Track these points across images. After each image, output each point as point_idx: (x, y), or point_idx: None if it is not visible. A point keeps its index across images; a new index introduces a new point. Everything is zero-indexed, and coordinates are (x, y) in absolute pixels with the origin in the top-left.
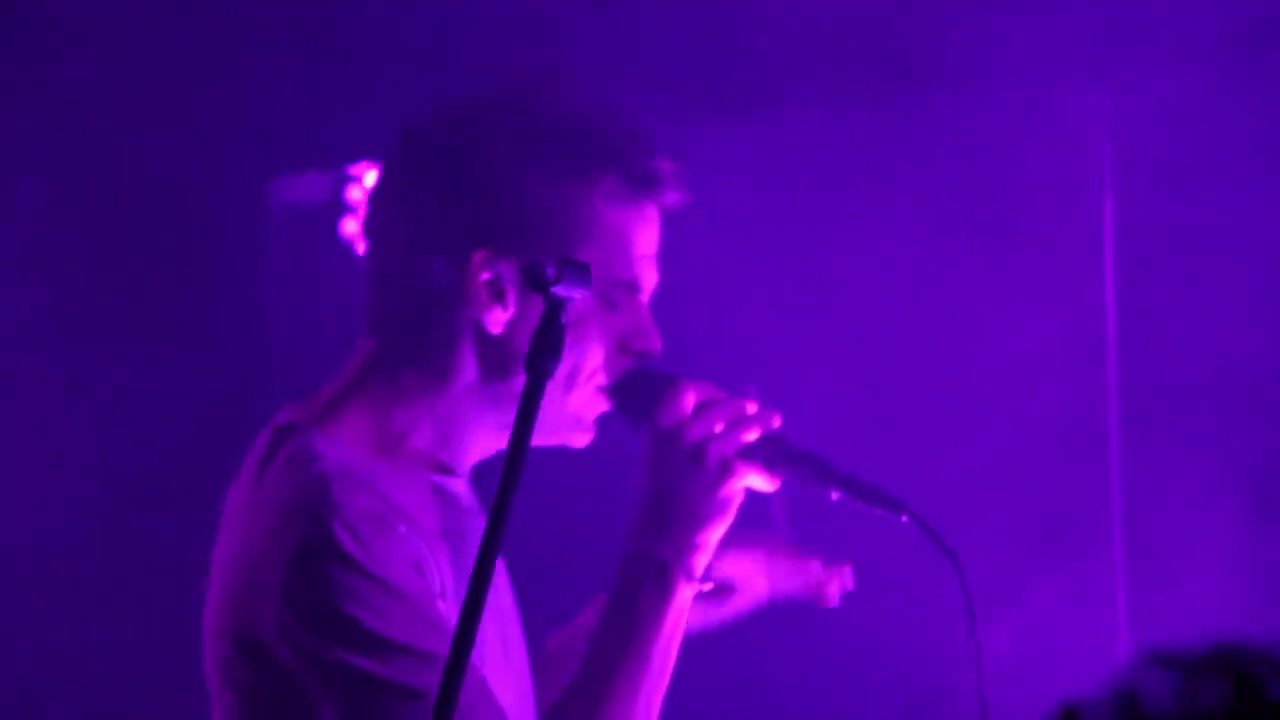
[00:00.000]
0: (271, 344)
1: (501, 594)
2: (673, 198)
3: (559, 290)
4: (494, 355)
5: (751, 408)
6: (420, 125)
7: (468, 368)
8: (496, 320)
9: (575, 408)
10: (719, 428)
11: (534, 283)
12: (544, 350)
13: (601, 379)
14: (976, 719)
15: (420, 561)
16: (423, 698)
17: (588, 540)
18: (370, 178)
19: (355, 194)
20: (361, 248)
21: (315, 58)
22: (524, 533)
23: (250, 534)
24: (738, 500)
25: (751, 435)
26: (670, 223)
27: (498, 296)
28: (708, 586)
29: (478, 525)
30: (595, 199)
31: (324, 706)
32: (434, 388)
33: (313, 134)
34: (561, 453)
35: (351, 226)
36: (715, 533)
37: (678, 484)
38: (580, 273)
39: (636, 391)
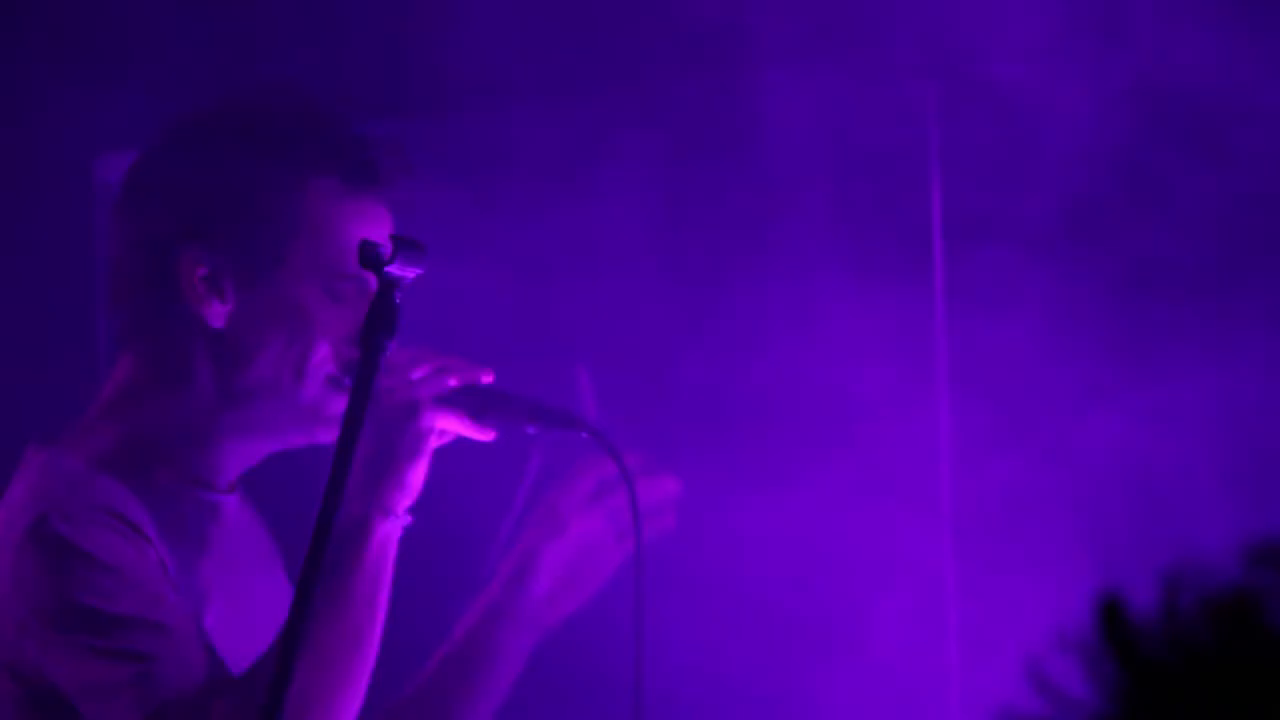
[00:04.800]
0: (98, 323)
1: (268, 604)
2: (393, 190)
3: (393, 270)
4: (221, 351)
5: (455, 361)
6: (156, 133)
7: (202, 367)
8: (217, 314)
9: (308, 400)
10: (415, 376)
11: (368, 261)
12: (377, 326)
13: (331, 369)
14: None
15: (151, 556)
16: (141, 659)
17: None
18: None
19: None
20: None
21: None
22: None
23: None
24: (429, 440)
25: (450, 383)
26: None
27: (215, 291)
28: (408, 521)
29: (248, 542)
30: (309, 195)
31: (63, 689)
32: (177, 391)
33: (138, 112)
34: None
35: None
36: (408, 470)
37: (371, 432)
38: (414, 251)
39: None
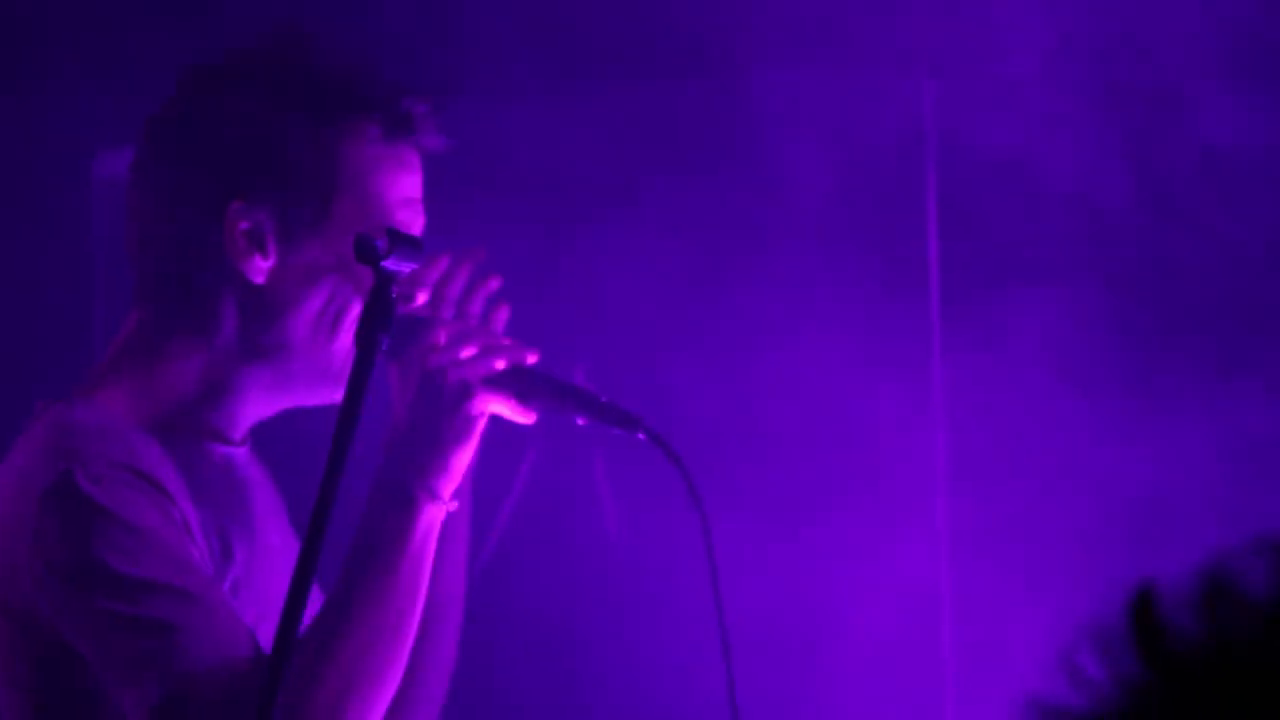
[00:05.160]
0: (94, 322)
1: (284, 557)
2: (431, 141)
3: (389, 264)
4: (257, 305)
5: (504, 341)
6: (179, 85)
7: (230, 320)
8: (258, 270)
9: (339, 357)
10: (465, 355)
11: (364, 255)
12: (372, 323)
13: None
14: (719, 645)
15: (175, 515)
16: (171, 630)
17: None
18: None
19: None
20: (126, 218)
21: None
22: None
23: (3, 500)
24: (480, 424)
25: (499, 364)
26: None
27: (258, 245)
28: (454, 506)
29: (261, 495)
30: (349, 146)
31: (85, 653)
32: (198, 345)
33: (134, 108)
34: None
35: None
36: (458, 454)
37: (418, 408)
38: (411, 246)
39: (398, 334)
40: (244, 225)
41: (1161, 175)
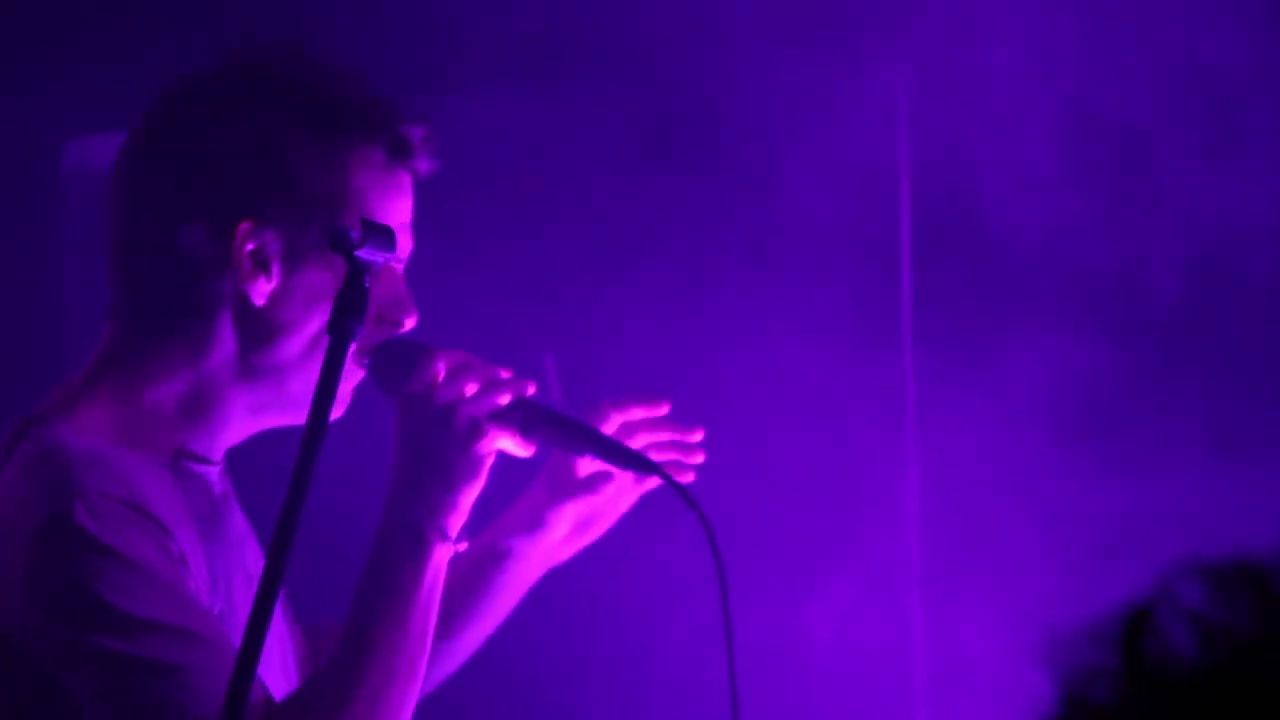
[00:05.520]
0: (66, 308)
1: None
2: (425, 165)
3: (363, 254)
4: (255, 327)
5: (505, 374)
6: (176, 93)
7: (226, 340)
8: (260, 291)
9: None
10: (470, 391)
11: (338, 245)
12: (347, 312)
13: (355, 347)
14: (727, 687)
15: (172, 549)
16: (175, 671)
17: (354, 518)
18: None
19: None
20: (105, 224)
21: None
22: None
23: None
24: (489, 461)
25: (504, 399)
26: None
27: (262, 267)
28: (463, 547)
29: (234, 516)
30: (356, 169)
31: (78, 692)
32: (188, 361)
33: (102, 96)
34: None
35: None
36: (468, 493)
37: (428, 446)
38: (384, 236)
39: (391, 360)
40: (251, 246)
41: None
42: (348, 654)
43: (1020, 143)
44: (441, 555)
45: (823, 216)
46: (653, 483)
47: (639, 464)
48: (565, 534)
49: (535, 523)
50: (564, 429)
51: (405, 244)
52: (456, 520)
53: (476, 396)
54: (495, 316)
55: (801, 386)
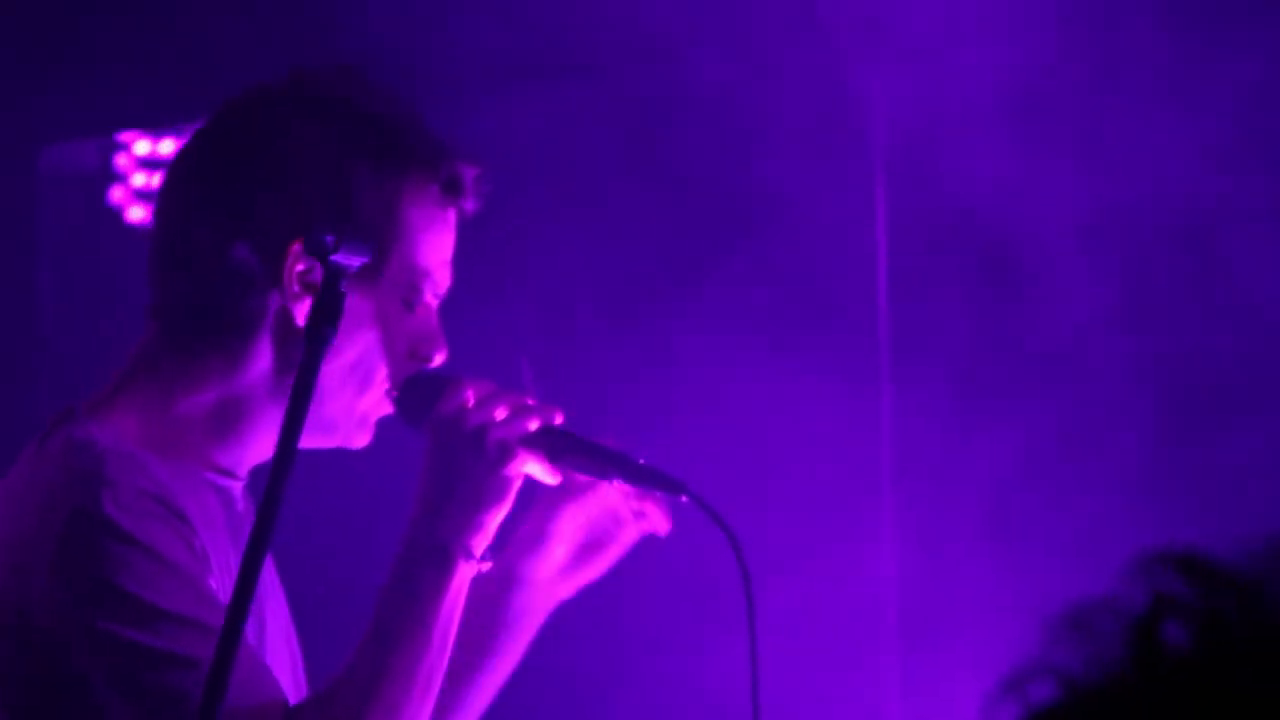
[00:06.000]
0: (40, 314)
1: (269, 589)
2: (471, 205)
3: (339, 258)
4: (294, 348)
5: (531, 402)
6: (242, 106)
7: (263, 357)
8: (304, 312)
9: (363, 407)
10: (500, 415)
11: (314, 250)
12: (324, 318)
13: (386, 377)
14: (750, 702)
15: (196, 547)
16: (194, 666)
17: (371, 541)
18: (142, 146)
19: (123, 161)
20: (154, 226)
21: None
22: (307, 535)
23: (20, 517)
24: (517, 484)
25: (533, 425)
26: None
27: (309, 289)
28: (487, 566)
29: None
30: (410, 202)
31: (96, 681)
32: (224, 374)
33: (77, 101)
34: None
35: (119, 194)
36: (495, 515)
37: (457, 467)
38: (360, 242)
39: (419, 392)
40: (301, 267)
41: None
42: (366, 662)
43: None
44: (465, 573)
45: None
46: (655, 523)
47: (667, 485)
48: (567, 557)
49: (537, 538)
50: (591, 455)
51: (444, 280)
52: (481, 541)
53: (506, 421)
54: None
55: (779, 433)
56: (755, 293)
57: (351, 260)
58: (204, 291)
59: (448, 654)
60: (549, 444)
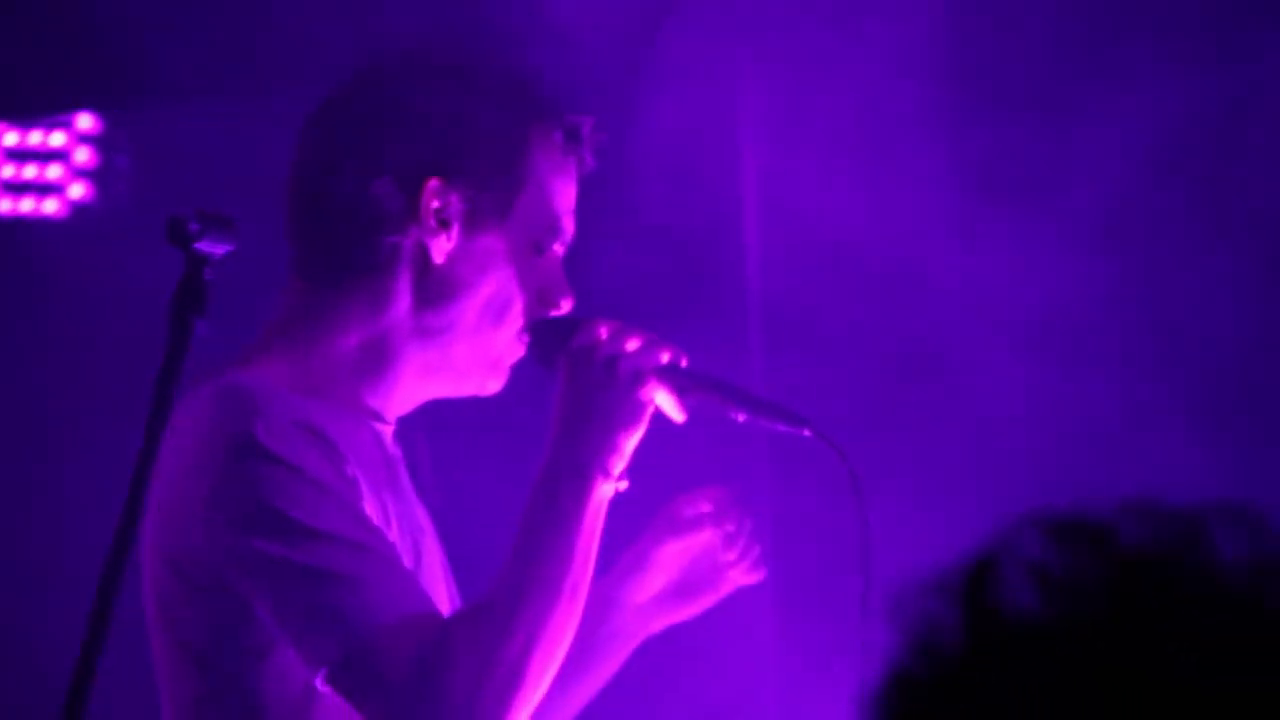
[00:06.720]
0: None
1: (424, 529)
2: (590, 159)
3: (202, 246)
4: (431, 284)
5: (660, 339)
6: (377, 64)
7: (403, 295)
8: (441, 249)
9: (499, 347)
10: (631, 347)
11: (176, 238)
12: (186, 303)
13: (520, 322)
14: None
15: (348, 473)
16: (348, 581)
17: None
18: (85, 121)
19: (59, 139)
20: (292, 184)
21: None
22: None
23: (179, 454)
24: (649, 409)
25: (664, 356)
26: None
27: (444, 225)
28: (624, 485)
29: (402, 473)
30: (536, 146)
31: (255, 604)
32: (367, 315)
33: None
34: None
35: (56, 172)
36: (629, 436)
37: (592, 391)
38: (224, 229)
39: (552, 334)
40: (436, 204)
41: None
42: (514, 577)
43: None
44: (603, 491)
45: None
46: (748, 574)
47: (791, 420)
48: (664, 589)
49: (639, 563)
50: (717, 389)
51: (570, 228)
52: (617, 461)
53: (638, 352)
54: None
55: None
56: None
57: (215, 248)
58: (346, 232)
59: (590, 568)
60: (676, 379)
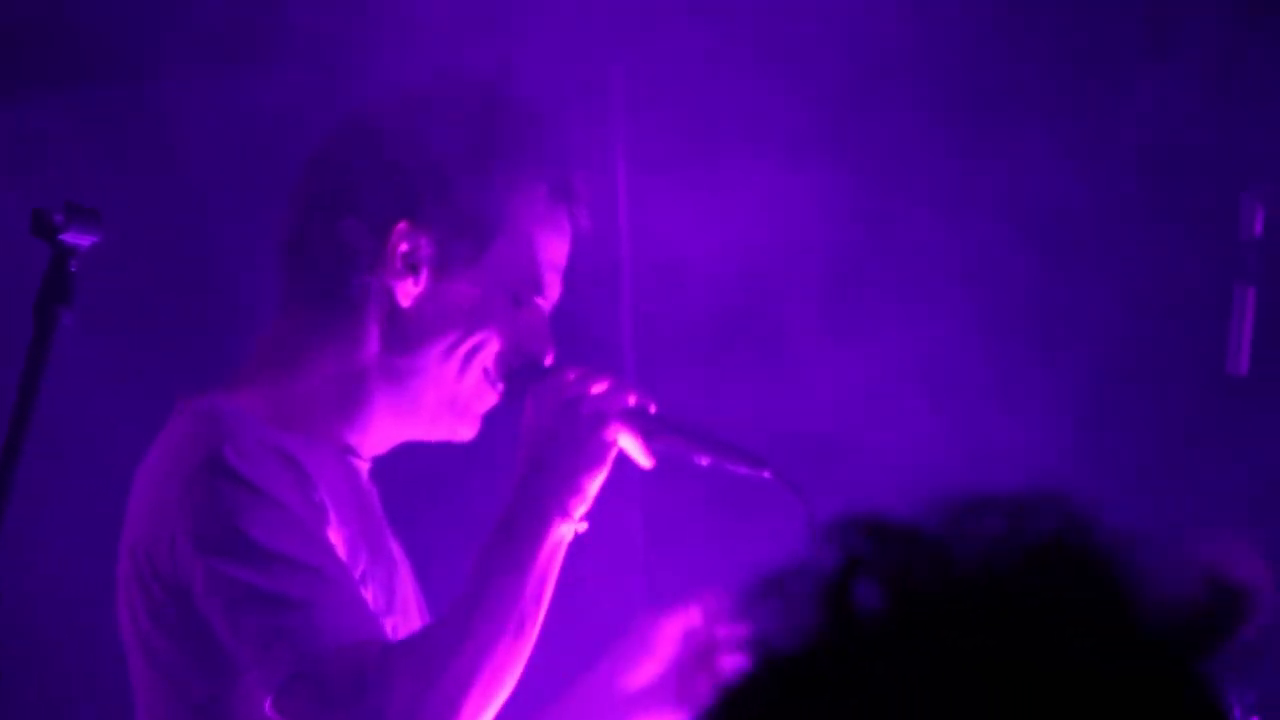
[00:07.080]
0: None
1: (398, 562)
2: (583, 218)
3: (67, 237)
4: (398, 328)
5: (627, 383)
6: (353, 115)
7: (372, 336)
8: (407, 292)
9: (465, 392)
10: (597, 390)
11: (40, 229)
12: (51, 295)
13: (491, 370)
14: None
15: (315, 499)
16: (300, 606)
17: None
18: None
19: None
20: (282, 225)
21: None
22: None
23: (154, 470)
24: (612, 452)
25: (630, 400)
26: None
27: (412, 269)
28: (583, 527)
29: (375, 509)
30: (517, 196)
31: (214, 622)
32: (340, 354)
33: None
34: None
35: None
36: (592, 478)
37: (556, 431)
38: (90, 220)
39: (522, 379)
40: (405, 247)
41: None
42: (462, 608)
43: None
44: (561, 531)
45: None
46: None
47: (752, 461)
48: (664, 674)
49: (639, 647)
50: (682, 433)
51: (554, 286)
52: (579, 502)
53: (603, 394)
54: None
55: None
56: None
57: (81, 240)
58: (317, 271)
59: (541, 607)
60: (642, 423)
